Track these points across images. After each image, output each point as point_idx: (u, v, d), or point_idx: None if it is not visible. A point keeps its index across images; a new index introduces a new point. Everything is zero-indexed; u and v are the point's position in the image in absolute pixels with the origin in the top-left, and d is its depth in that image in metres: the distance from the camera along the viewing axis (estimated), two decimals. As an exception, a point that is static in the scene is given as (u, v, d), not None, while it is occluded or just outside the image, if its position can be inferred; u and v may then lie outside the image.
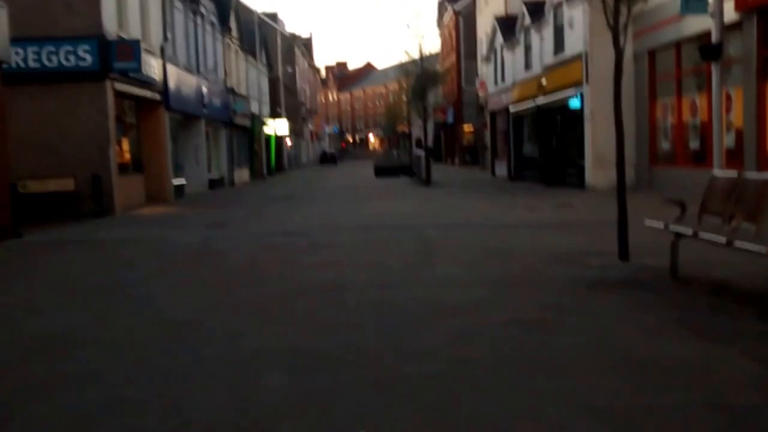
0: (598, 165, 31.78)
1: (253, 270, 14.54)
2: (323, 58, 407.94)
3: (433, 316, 9.79)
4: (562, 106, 36.26)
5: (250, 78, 63.26)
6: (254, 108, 63.76)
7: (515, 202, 28.69)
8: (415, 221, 22.76)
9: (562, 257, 14.35)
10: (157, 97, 35.82)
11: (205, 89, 45.05)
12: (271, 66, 76.52)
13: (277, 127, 75.75)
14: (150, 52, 34.30)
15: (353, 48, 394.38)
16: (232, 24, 55.75)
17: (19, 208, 26.76)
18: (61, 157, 28.88)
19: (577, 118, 34.29)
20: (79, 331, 9.78)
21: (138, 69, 30.24)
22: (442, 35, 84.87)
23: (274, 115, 76.45)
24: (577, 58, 32.91)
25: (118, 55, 29.38)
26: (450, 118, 78.70)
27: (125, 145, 33.25)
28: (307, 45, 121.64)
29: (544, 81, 38.03)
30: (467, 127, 71.86)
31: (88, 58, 28.91)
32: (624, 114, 15.32)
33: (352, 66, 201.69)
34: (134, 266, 15.85)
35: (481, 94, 60.42)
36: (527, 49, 42.39)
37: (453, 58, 76.47)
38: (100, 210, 28.68)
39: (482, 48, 60.63)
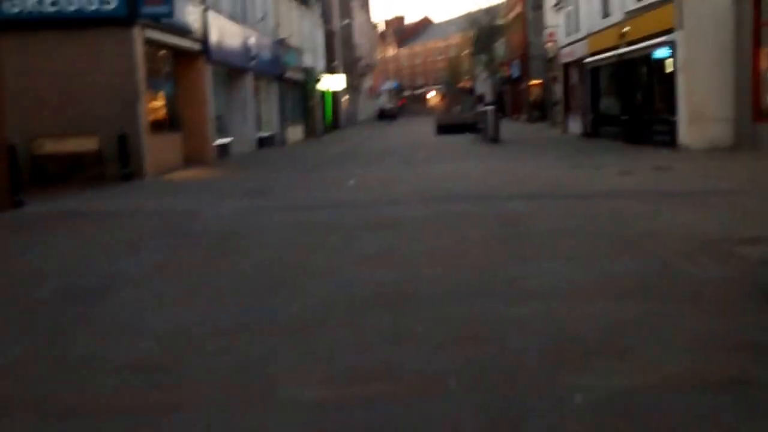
0: (693, 122, 27.72)
1: (288, 264, 10.93)
2: (380, 12, 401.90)
3: (556, 368, 6.05)
4: (648, 57, 32.04)
5: (303, 30, 59.31)
6: (308, 62, 59.85)
7: (602, 163, 24.78)
8: (490, 189, 19.04)
9: (701, 246, 10.54)
10: (197, 47, 32.24)
11: (252, 40, 41.35)
12: (326, 18, 72.56)
13: (333, 82, 71.90)
14: (188, -3, 30.75)
15: (410, 1, 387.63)
16: (284, -30, 52.05)
17: (33, 170, 24.09)
18: (84, 114, 25.48)
19: (666, 68, 30.18)
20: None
21: (170, 15, 26.63)
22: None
23: (330, 69, 72.56)
24: (668, 1, 28.68)
25: (146, -1, 25.82)
26: (516, 72, 74.21)
27: (159, 100, 29.73)
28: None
29: (626, 29, 33.76)
30: (535, 82, 67.44)
31: (113, 1, 25.34)
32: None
33: (408, 20, 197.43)
34: (136, 253, 12.29)
35: (549, 46, 56.16)
36: (605, -6, 38.21)
37: (518, 8, 72.00)
38: (128, 173, 25.27)
39: (550, -3, 56.46)
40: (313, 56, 62.23)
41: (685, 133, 28.03)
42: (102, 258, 11.91)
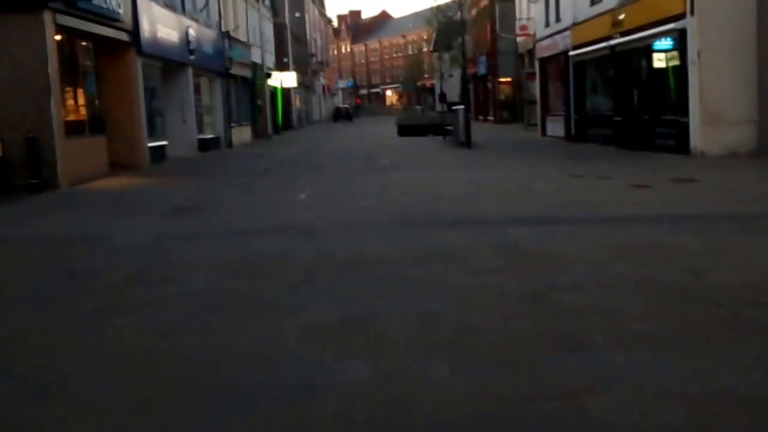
0: (708, 123, 23.92)
1: (196, 348, 6.88)
2: (335, 7, 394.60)
3: None
4: (648, 48, 28.04)
5: (250, 22, 54.74)
6: (256, 57, 55.40)
7: (603, 172, 20.99)
8: (479, 209, 15.17)
9: None
10: (125, 37, 28.00)
11: (192, 32, 37.07)
12: (275, 10, 68.20)
13: (284, 79, 67.49)
14: (112, -21, 26.52)
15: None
16: (229, -44, 47.76)
17: None
18: (-17, 114, 21.33)
19: (672, 61, 26.29)
20: None
21: (86, -5, 22.42)
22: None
23: (281, 66, 68.17)
24: (676, -17, 24.81)
25: (59, -23, 21.66)
26: (482, 70, 69.89)
27: (79, 98, 25.45)
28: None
29: (622, 16, 29.72)
30: (504, 80, 63.15)
31: (17, -20, 21.21)
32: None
33: (366, 15, 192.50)
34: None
35: (521, 40, 52.27)
36: (594, -23, 34.13)
37: (484, 1, 67.95)
38: (37, 184, 21.15)
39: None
40: (262, 51, 57.74)
41: (698, 136, 24.18)
42: None
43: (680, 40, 24.88)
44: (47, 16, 21.76)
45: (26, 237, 14.21)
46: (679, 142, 25.07)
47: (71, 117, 24.40)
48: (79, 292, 9.21)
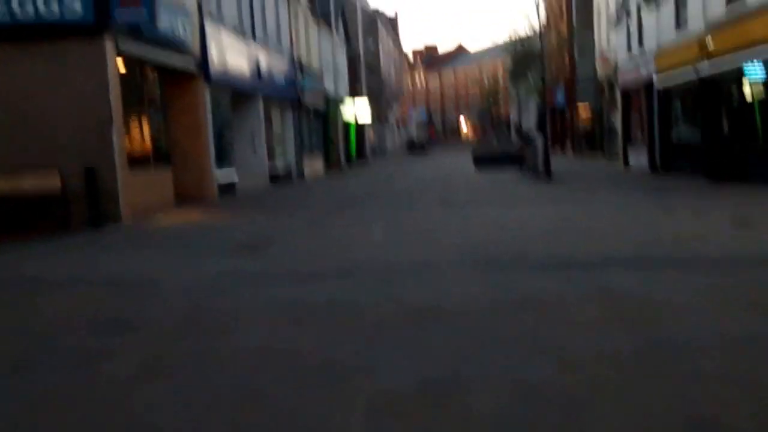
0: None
1: (253, 426, 5.60)
2: (411, 42, 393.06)
3: None
4: (739, 75, 26.41)
5: (323, 51, 53.92)
6: (329, 87, 54.56)
7: (698, 207, 19.46)
8: (566, 249, 13.68)
9: None
10: (192, 65, 27.07)
11: (263, 60, 36.09)
12: (350, 40, 67.25)
13: (358, 109, 66.47)
14: (179, 5, 25.61)
15: (443, 31, 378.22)
16: (301, -16, 46.87)
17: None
18: (43, 144, 20.61)
19: (766, 89, 24.67)
20: None
21: (150, 19, 21.43)
22: (547, 4, 74.45)
23: (354, 95, 67.15)
24: (773, 6, 23.17)
25: (120, 1, 20.68)
26: (560, 99, 68.24)
27: (144, 128, 24.48)
28: (392, 23, 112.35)
29: (710, 42, 28.08)
30: (583, 109, 61.37)
31: (77, 4, 20.26)
32: None
33: (442, 50, 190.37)
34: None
35: (599, 68, 50.71)
36: (679, 1, 32.42)
37: (562, 29, 66.31)
38: (97, 217, 20.23)
39: (601, 14, 50.95)
40: (335, 81, 56.91)
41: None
42: None
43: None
44: (108, 43, 20.88)
45: (75, 278, 13.07)
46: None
47: (135, 148, 23.47)
48: (118, 350, 7.99)
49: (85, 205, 20.25)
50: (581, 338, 7.49)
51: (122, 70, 22.19)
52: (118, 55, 21.58)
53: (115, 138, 20.95)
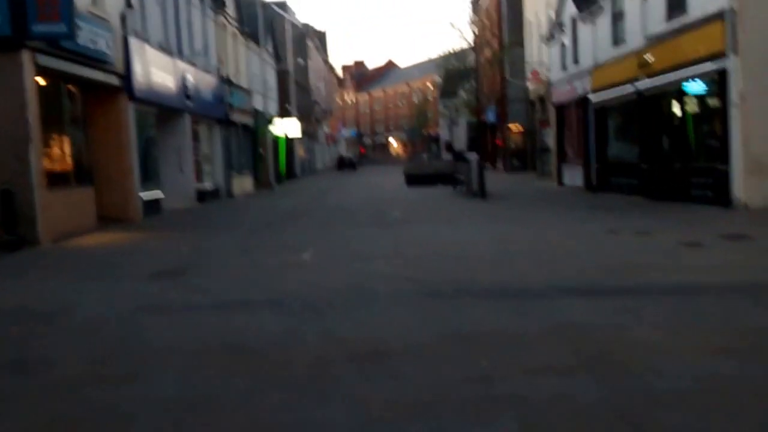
0: (753, 173, 21.68)
1: None
2: (340, 58, 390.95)
3: None
4: (680, 91, 25.89)
5: (252, 68, 52.71)
6: (258, 104, 53.44)
7: (641, 227, 18.82)
8: (512, 274, 12.99)
9: None
10: (115, 81, 25.93)
11: (190, 77, 35.03)
12: (279, 57, 66.21)
13: (287, 127, 65.40)
14: (102, 19, 24.50)
15: (372, 46, 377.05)
16: (228, 0, 45.71)
17: None
18: (-45, 165, 19.35)
19: (707, 105, 24.18)
20: None
21: (69, 35, 20.32)
22: (478, 23, 73.91)
23: (284, 114, 66.09)
24: (714, 19, 22.57)
25: (38, 14, 19.60)
26: (491, 117, 67.70)
27: (65, 146, 23.35)
28: (321, 39, 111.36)
29: (649, 57, 27.50)
30: (514, 127, 60.81)
31: (-8, 17, 19.27)
32: None
33: (372, 65, 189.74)
34: None
35: (532, 86, 50.25)
36: (616, 17, 31.69)
37: (494, 46, 65.75)
38: (14, 241, 19.06)
39: (532, 32, 50.48)
40: (264, 98, 55.88)
41: (741, 186, 21.87)
42: None
43: (719, 81, 22.70)
44: (26, 57, 19.82)
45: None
46: (718, 193, 22.79)
47: (55, 167, 22.36)
48: (13, 395, 7.04)
49: (0, 228, 19.16)
50: (544, 387, 6.69)
51: (41, 84, 21.12)
52: (37, 70, 20.48)
53: (32, 158, 19.85)
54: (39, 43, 20.29)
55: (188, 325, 9.92)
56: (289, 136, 67.20)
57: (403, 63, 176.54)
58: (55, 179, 21.94)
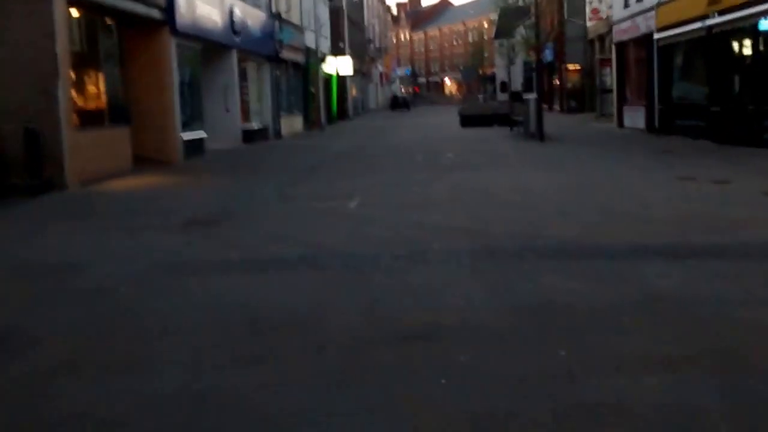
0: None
1: None
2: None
3: None
4: (754, 28, 23.91)
5: (304, 4, 51.02)
6: (309, 42, 51.71)
7: (720, 176, 17.04)
8: (582, 229, 11.39)
9: None
10: (156, 13, 24.45)
11: (238, 11, 33.41)
12: (332, -9, 64.38)
13: (340, 65, 63.63)
14: (140, -54, 23.01)
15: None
16: (279, -69, 43.95)
17: None
18: (-23, 102, 18.00)
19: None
20: None
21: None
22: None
23: (336, 52, 64.27)
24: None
25: (67, -64, 18.21)
26: (548, 57, 65.51)
27: (99, 83, 21.97)
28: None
29: (721, -9, 25.59)
30: (572, 67, 58.88)
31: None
32: None
33: (426, 3, 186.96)
34: None
35: (590, 24, 48.23)
36: (687, -49, 29.80)
37: (552, -18, 63.50)
38: (38, 185, 17.70)
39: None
40: (316, 36, 54.08)
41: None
42: None
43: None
44: (55, -14, 18.33)
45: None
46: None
47: (88, 105, 21.07)
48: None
49: (23, 169, 17.82)
50: (648, 393, 5.12)
51: (73, 16, 19.73)
52: (68, 2, 19.05)
53: (60, 94, 18.42)
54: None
55: (210, 291, 8.46)
56: (342, 74, 65.47)
57: (456, 1, 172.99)
58: (88, 118, 20.67)
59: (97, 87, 21.81)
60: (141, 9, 23.27)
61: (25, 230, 13.50)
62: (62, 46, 18.59)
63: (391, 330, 6.70)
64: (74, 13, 20.04)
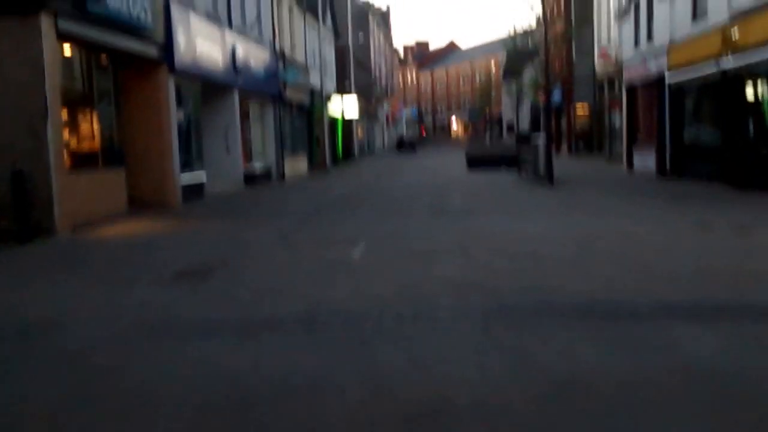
0: None
1: None
2: (402, 37, 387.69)
3: None
4: (771, 71, 23.21)
5: (309, 43, 50.29)
6: (314, 81, 51.10)
7: (740, 222, 16.22)
8: (602, 284, 10.48)
9: None
10: (153, 52, 23.70)
11: (240, 49, 32.70)
12: (337, 32, 63.75)
13: (345, 106, 63.01)
14: (137, -18, 22.26)
15: (434, 28, 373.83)
16: (284, -30, 43.39)
17: None
18: (-39, 142, 17.25)
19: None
20: None
21: (94, -3, 18.16)
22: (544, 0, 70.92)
23: (342, 92, 63.63)
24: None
25: (58, -29, 17.49)
26: (556, 98, 64.83)
27: (93, 123, 21.20)
28: (384, 18, 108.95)
29: (735, 33, 24.80)
30: (580, 108, 58.21)
31: (5, -25, 17.12)
32: None
33: (433, 47, 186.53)
34: None
35: (599, 65, 47.65)
36: (698, -9, 29.15)
37: (559, 26, 62.80)
38: (26, 229, 16.87)
39: (602, 9, 47.91)
40: (321, 75, 53.42)
41: None
42: None
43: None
44: (45, 22, 17.59)
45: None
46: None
47: (80, 147, 20.27)
48: None
49: (7, 215, 16.97)
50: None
51: (66, 54, 19.02)
52: (59, 36, 18.29)
53: (50, 135, 17.60)
54: (62, 4, 18.10)
55: (194, 358, 7.55)
56: (347, 116, 64.84)
57: (464, 45, 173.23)
58: (80, 160, 19.97)
59: (91, 127, 21.06)
60: (137, 46, 22.53)
61: (3, 283, 12.62)
62: (52, 84, 17.81)
63: (397, 408, 5.81)
64: (67, 49, 19.33)
